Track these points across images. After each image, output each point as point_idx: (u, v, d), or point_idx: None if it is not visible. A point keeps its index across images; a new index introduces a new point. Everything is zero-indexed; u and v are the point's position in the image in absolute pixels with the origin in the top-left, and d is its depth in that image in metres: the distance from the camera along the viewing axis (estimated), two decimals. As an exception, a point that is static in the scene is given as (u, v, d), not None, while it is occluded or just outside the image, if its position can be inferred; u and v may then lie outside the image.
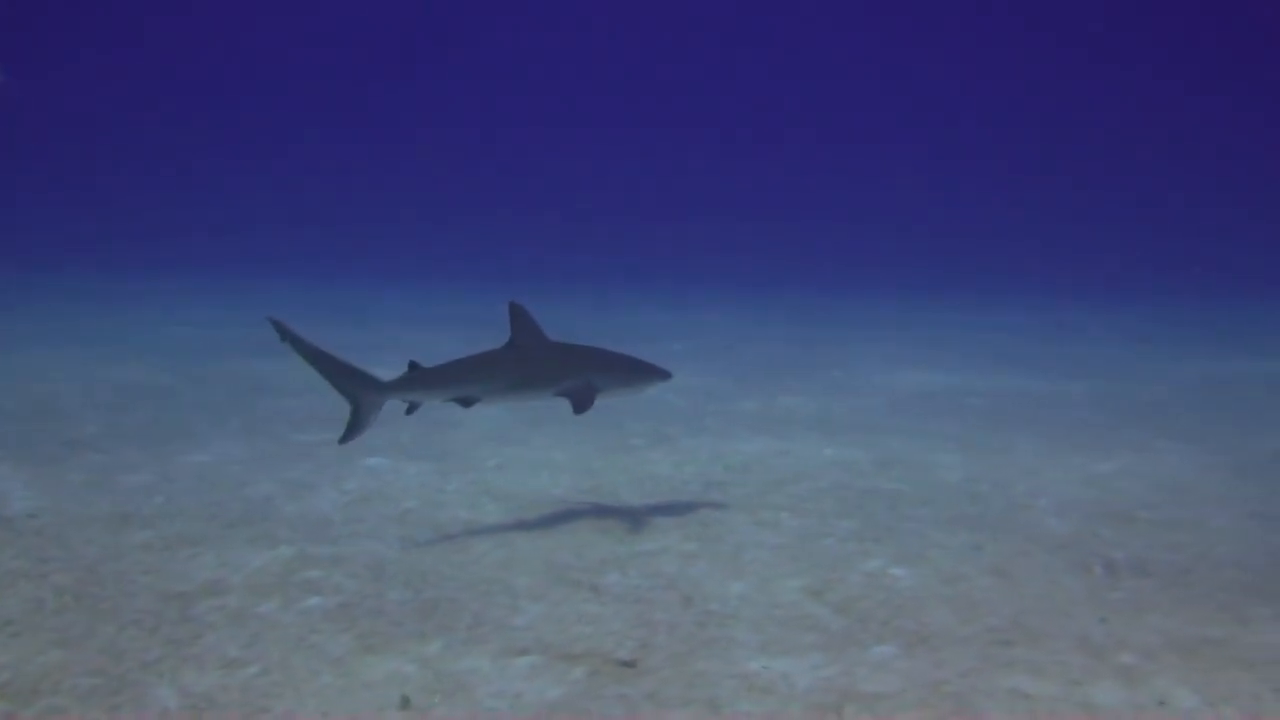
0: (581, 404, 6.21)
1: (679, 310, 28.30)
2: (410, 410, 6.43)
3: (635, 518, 6.70)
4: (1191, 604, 5.27)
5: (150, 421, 9.78)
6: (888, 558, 5.90)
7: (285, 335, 6.23)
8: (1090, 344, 21.76)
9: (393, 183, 71.98)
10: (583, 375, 6.31)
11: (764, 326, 23.80)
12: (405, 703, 3.92)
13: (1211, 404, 12.99)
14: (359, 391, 6.29)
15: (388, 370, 6.60)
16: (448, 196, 69.95)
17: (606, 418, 10.51)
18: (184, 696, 3.97)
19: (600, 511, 6.86)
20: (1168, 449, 9.59)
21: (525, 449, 8.89)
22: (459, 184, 72.44)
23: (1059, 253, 56.59)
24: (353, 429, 6.28)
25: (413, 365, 6.28)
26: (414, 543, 6.05)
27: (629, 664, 4.28)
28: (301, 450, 8.62)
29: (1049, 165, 74.57)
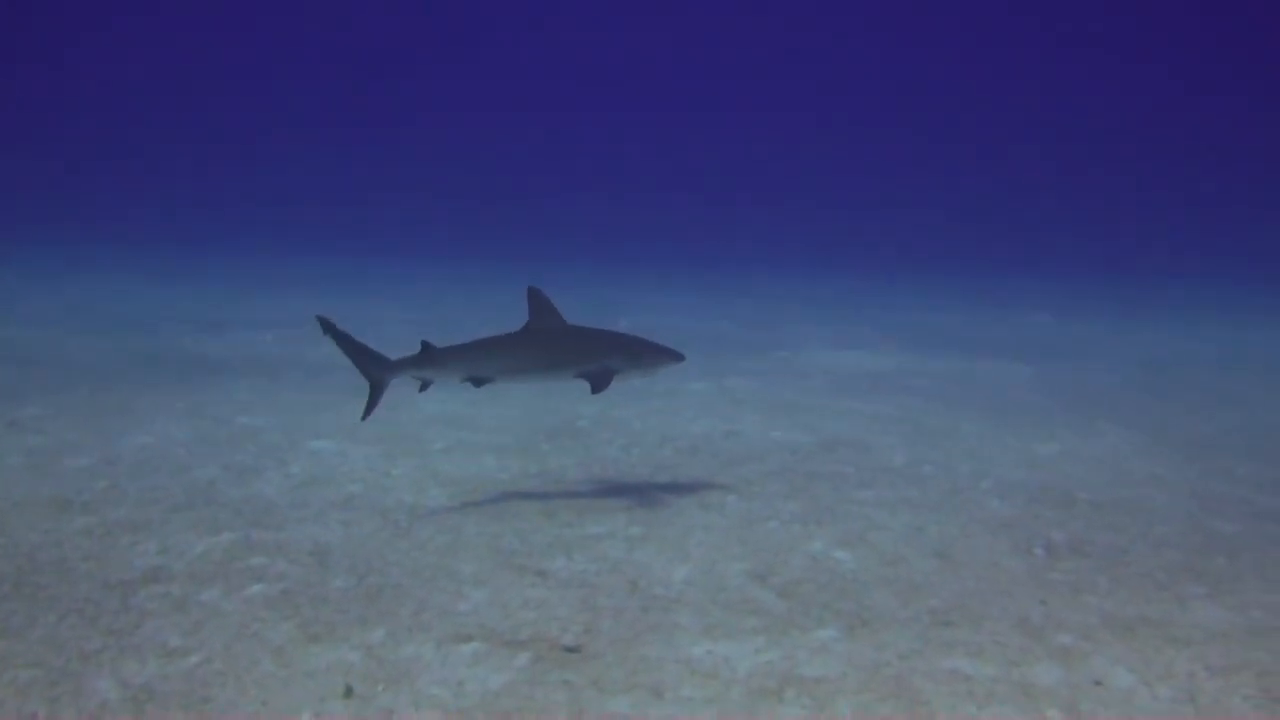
0: (599, 386, 6.36)
1: (626, 288, 28.31)
2: (423, 388, 6.65)
3: (582, 501, 6.70)
4: (1129, 584, 5.38)
5: (93, 402, 9.64)
6: (831, 540, 5.95)
7: (328, 329, 6.65)
8: (1035, 326, 22.05)
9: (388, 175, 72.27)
10: (601, 358, 6.45)
11: (713, 306, 23.85)
12: (348, 692, 3.91)
13: (1153, 385, 13.21)
14: (375, 371, 6.58)
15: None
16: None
17: (554, 400, 10.52)
18: (124, 688, 3.93)
19: (547, 495, 6.86)
20: (1109, 430, 9.74)
21: (473, 432, 8.85)
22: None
23: (1004, 234, 57.29)
24: (370, 407, 6.60)
25: (425, 345, 6.47)
26: (359, 528, 6.02)
27: (573, 650, 4.29)
28: (246, 432, 8.54)
29: (998, 151, 75.52)
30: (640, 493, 6.96)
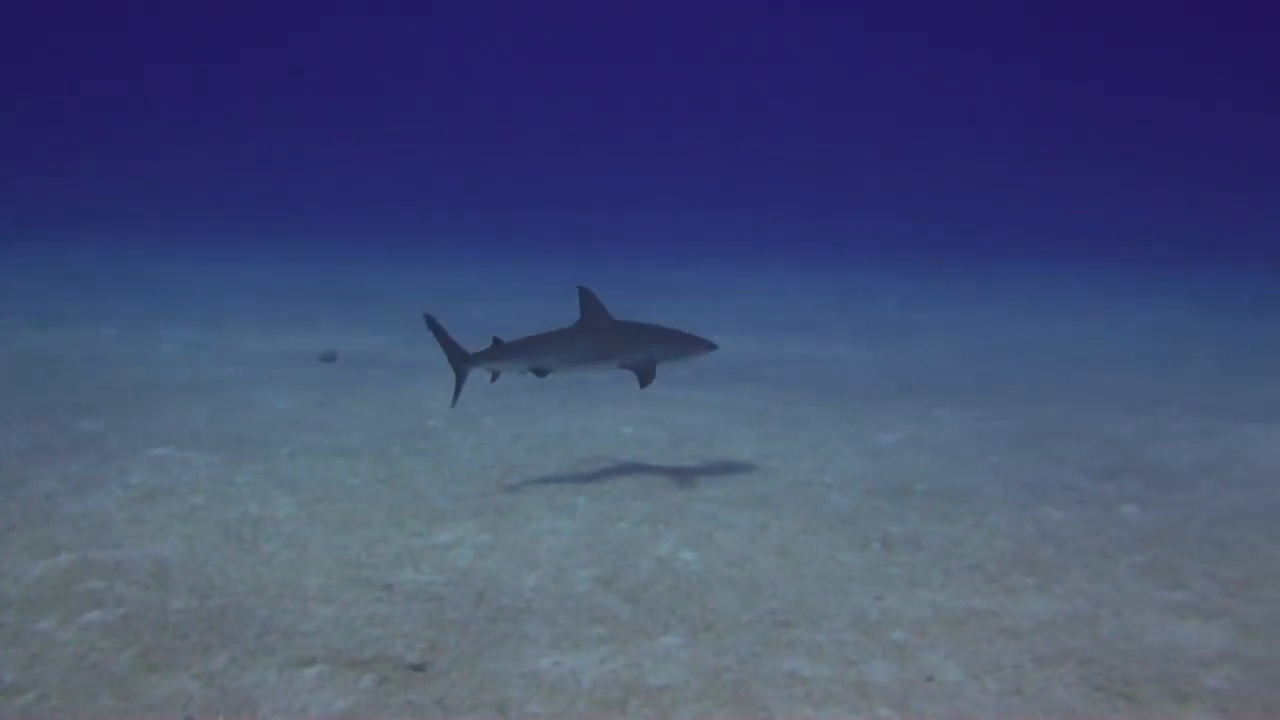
0: (646, 375, 7.19)
1: (483, 269, 28.17)
2: (494, 378, 7.41)
3: (432, 507, 6.68)
4: (962, 576, 5.60)
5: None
6: (678, 540, 6.07)
7: (431, 325, 7.33)
8: (881, 310, 22.64)
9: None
10: (645, 349, 7.27)
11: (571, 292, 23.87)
12: (188, 723, 3.86)
13: (990, 370, 13.72)
14: (459, 363, 7.28)
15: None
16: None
17: (406, 397, 10.44)
18: (-50, 730, 3.82)
19: (396, 502, 6.80)
20: (947, 418, 10.10)
21: (321, 434, 8.74)
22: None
23: (854, 217, 58.57)
24: (456, 395, 7.35)
25: (496, 340, 7.25)
26: (201, 543, 5.89)
27: (419, 668, 4.30)
28: (87, 439, 8.26)
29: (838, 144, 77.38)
30: (491, 496, 6.98)
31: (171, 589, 5.17)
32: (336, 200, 58.91)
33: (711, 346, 7.56)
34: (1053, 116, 77.72)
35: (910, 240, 50.07)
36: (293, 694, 4.08)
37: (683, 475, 7.64)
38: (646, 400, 10.49)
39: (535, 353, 7.20)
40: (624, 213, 59.79)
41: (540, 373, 7.21)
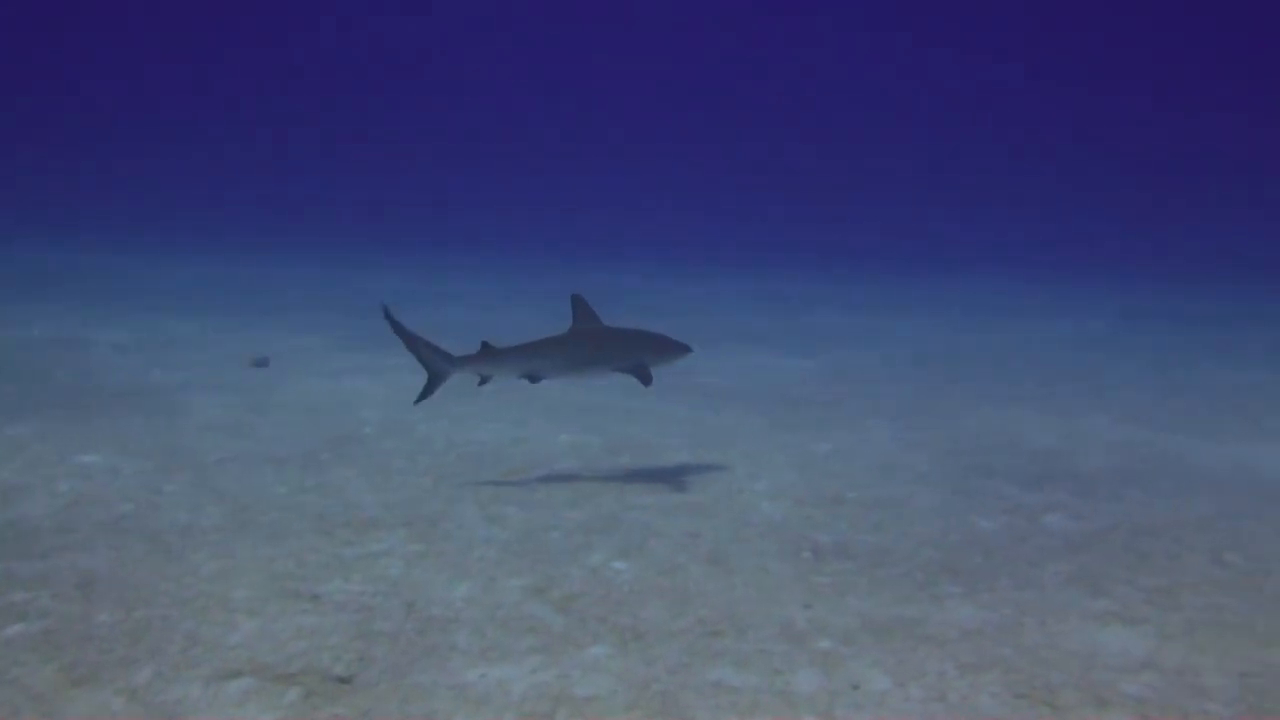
0: (646, 379, 7.39)
1: (421, 275, 28.01)
2: (482, 383, 7.34)
3: (363, 515, 6.62)
4: (890, 585, 5.65)
5: None
6: (611, 550, 6.07)
7: (397, 328, 7.20)
8: (816, 316, 22.82)
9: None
10: (635, 355, 7.44)
11: (508, 298, 23.83)
12: (108, 737, 3.80)
13: (923, 378, 13.88)
14: (438, 365, 7.25)
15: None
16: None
17: (339, 403, 10.36)
18: None
19: (326, 511, 6.73)
20: (879, 426, 10.21)
21: (252, 441, 8.64)
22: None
23: (791, 226, 59.06)
24: (425, 394, 7.30)
25: (485, 344, 7.26)
26: (128, 553, 5.80)
27: (345, 680, 4.27)
28: (13, 445, 8.10)
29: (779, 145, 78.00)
30: (423, 504, 6.94)
31: (97, 601, 5.08)
32: (276, 203, 58.38)
33: (687, 350, 7.82)
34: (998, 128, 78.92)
35: (847, 249, 50.55)
36: (217, 708, 4.03)
37: (617, 484, 7.65)
38: (581, 409, 10.50)
39: (528, 359, 7.28)
40: (562, 219, 59.87)
41: (534, 379, 7.28)
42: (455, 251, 41.28)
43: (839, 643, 4.83)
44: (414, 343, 7.25)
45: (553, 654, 4.61)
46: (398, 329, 7.21)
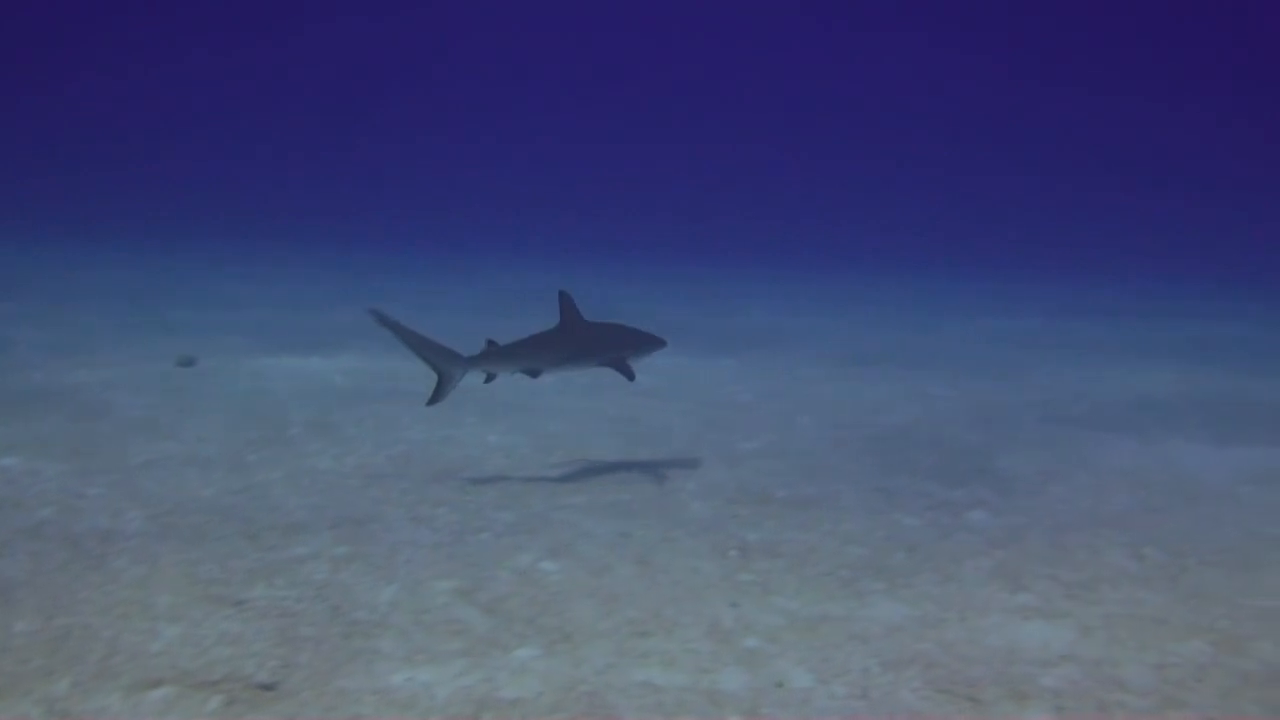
0: (629, 373, 7.75)
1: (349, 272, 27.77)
2: (488, 380, 7.67)
3: (288, 519, 6.55)
4: (815, 582, 5.71)
5: None
6: (540, 551, 6.07)
7: (384, 322, 7.21)
8: (744, 314, 22.95)
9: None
10: (617, 349, 7.77)
11: (435, 295, 23.69)
12: (23, 749, 3.74)
13: (849, 375, 14.02)
14: (445, 365, 7.42)
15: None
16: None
17: (267, 403, 10.24)
18: None
19: (251, 514, 6.64)
20: (808, 425, 10.30)
21: (175, 442, 8.50)
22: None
23: (721, 221, 59.35)
24: (437, 395, 7.47)
25: (490, 343, 7.53)
26: (48, 560, 5.68)
27: (269, 687, 4.23)
28: (-79, 451, 7.92)
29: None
30: (350, 506, 6.89)
31: (15, 610, 4.97)
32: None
33: (662, 343, 8.17)
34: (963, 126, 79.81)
35: (781, 244, 50.90)
36: (138, 718, 3.98)
37: (546, 484, 7.65)
38: (512, 407, 10.48)
39: (527, 355, 7.51)
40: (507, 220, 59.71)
41: (533, 374, 7.53)
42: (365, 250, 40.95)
43: (765, 641, 4.87)
44: (416, 344, 7.34)
45: (479, 656, 4.61)
46: (397, 330, 7.26)
